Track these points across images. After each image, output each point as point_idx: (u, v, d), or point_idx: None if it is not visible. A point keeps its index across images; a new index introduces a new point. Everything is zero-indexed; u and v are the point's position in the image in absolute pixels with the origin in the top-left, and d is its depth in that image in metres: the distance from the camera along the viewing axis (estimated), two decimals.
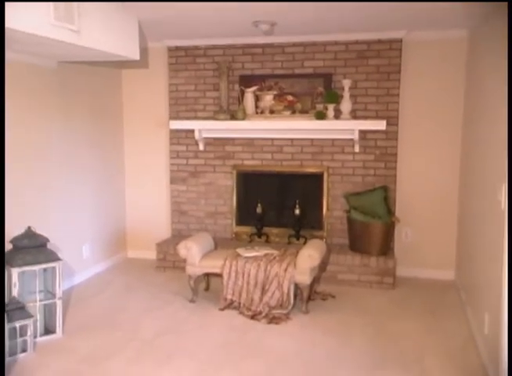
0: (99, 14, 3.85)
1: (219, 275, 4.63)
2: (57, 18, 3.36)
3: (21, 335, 3.65)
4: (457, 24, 4.83)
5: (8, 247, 3.92)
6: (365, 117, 5.35)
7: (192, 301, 4.74)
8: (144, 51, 5.61)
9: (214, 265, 4.64)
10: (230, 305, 4.57)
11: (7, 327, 3.34)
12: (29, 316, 3.70)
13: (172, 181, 6.07)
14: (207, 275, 4.93)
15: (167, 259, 5.71)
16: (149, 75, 6.00)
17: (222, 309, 4.54)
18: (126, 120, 6.18)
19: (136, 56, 4.43)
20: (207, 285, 5.06)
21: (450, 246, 5.44)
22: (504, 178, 3.00)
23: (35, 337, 3.83)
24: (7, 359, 3.52)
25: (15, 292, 3.73)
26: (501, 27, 3.50)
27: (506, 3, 1.92)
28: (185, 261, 4.75)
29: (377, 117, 5.31)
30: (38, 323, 3.93)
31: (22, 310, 3.68)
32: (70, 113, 5.21)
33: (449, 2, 3.83)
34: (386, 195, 5.27)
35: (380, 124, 5.15)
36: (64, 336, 4.02)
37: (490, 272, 3.44)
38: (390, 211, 5.26)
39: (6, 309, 3.43)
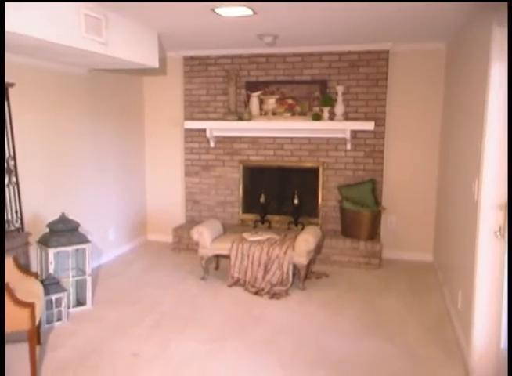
0: (123, 28, 3.85)
1: (227, 256, 4.65)
2: (87, 31, 3.37)
3: (56, 306, 3.69)
4: (436, 38, 4.82)
5: (44, 230, 3.96)
6: (356, 119, 5.34)
7: (203, 278, 4.76)
8: (162, 60, 5.61)
9: (222, 247, 4.65)
10: (237, 283, 4.59)
11: (45, 299, 3.36)
12: (63, 289, 3.75)
13: (186, 174, 6.07)
14: (217, 256, 4.93)
15: (182, 242, 5.72)
16: (166, 81, 6.00)
17: (230, 286, 4.56)
18: (146, 120, 6.18)
19: (155, 65, 4.43)
20: (216, 265, 5.07)
21: (429, 232, 5.45)
22: (477, 173, 3.00)
23: (68, 308, 3.87)
24: (45, 326, 3.58)
25: (51, 269, 3.78)
26: (472, 41, 3.53)
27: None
28: (197, 244, 4.75)
29: (367, 119, 5.31)
30: (71, 296, 3.97)
31: (57, 285, 3.72)
32: (98, 114, 5.22)
33: (427, 16, 3.84)
34: (374, 187, 5.27)
35: (369, 125, 5.14)
36: (93, 307, 4.06)
37: (463, 255, 3.44)
38: (377, 202, 5.27)
39: (44, 283, 3.45)
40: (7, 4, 2.70)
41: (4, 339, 2.68)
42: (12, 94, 3.97)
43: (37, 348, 3.09)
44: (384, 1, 3.13)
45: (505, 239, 2.75)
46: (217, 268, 5.07)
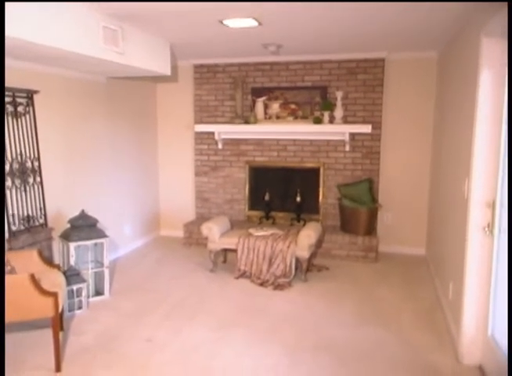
0: (138, 38, 3.87)
1: (234, 250, 4.65)
2: (106, 42, 3.40)
3: (77, 296, 3.72)
4: (428, 47, 4.83)
5: (66, 226, 3.98)
6: (354, 122, 5.33)
7: (212, 271, 4.76)
8: (174, 68, 5.61)
9: (230, 242, 4.66)
10: (243, 275, 4.59)
11: (67, 289, 3.39)
12: (83, 280, 3.76)
13: (196, 174, 6.07)
14: (225, 250, 4.94)
15: (192, 237, 5.72)
16: (178, 88, 6.01)
17: (237, 278, 4.57)
18: (159, 124, 6.19)
19: (168, 72, 4.44)
20: (224, 258, 5.08)
21: (422, 227, 5.44)
22: (467, 173, 3.00)
23: (88, 297, 3.89)
24: (67, 314, 3.61)
25: (72, 262, 3.80)
26: (462, 50, 3.53)
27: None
28: (206, 238, 4.76)
29: (364, 122, 5.30)
30: (90, 287, 3.99)
31: (78, 276, 3.75)
32: (115, 118, 5.24)
33: (420, 27, 3.85)
34: (371, 186, 5.26)
35: (366, 128, 5.14)
36: (111, 297, 4.08)
37: (454, 249, 3.44)
38: (374, 199, 5.26)
39: (66, 275, 3.48)
40: (34, 18, 2.74)
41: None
42: (37, 100, 4.00)
43: (61, 333, 3.12)
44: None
45: (494, 235, 2.75)
46: (225, 261, 5.07)
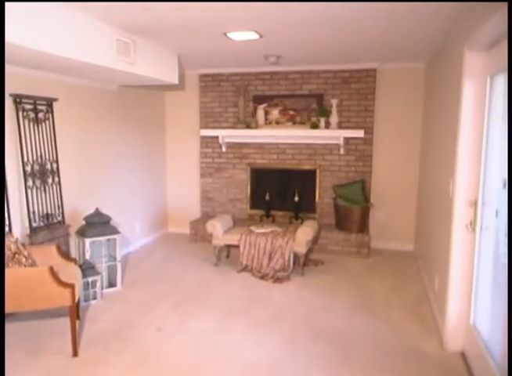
0: (148, 50, 3.91)
1: (237, 246, 4.66)
2: (119, 53, 3.44)
3: (92, 287, 3.74)
4: (416, 59, 4.86)
5: (81, 223, 4.02)
6: (348, 128, 5.36)
7: (216, 265, 4.77)
8: (181, 77, 5.64)
9: (233, 238, 4.66)
10: (245, 269, 4.60)
11: (82, 281, 3.42)
12: (98, 273, 3.79)
13: (202, 175, 6.08)
14: (228, 246, 4.95)
15: (198, 234, 5.73)
16: (185, 95, 6.03)
17: (239, 272, 4.58)
18: (167, 129, 6.21)
19: (175, 81, 4.46)
20: (227, 254, 5.09)
21: (410, 225, 5.46)
22: (452, 174, 3.03)
23: (102, 289, 3.91)
24: (83, 304, 3.64)
25: (87, 256, 3.83)
26: (446, 61, 3.56)
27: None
28: (211, 235, 4.77)
29: (357, 128, 5.32)
30: (104, 279, 4.01)
31: (92, 269, 3.78)
32: (127, 124, 5.26)
33: (407, 41, 3.89)
34: (363, 186, 5.29)
35: (359, 133, 5.17)
36: (123, 288, 4.10)
37: (440, 245, 3.47)
38: (366, 199, 5.28)
39: (81, 268, 3.51)
40: (54, 31, 2.78)
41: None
42: (56, 107, 4.03)
43: (77, 322, 3.13)
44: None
45: (476, 232, 2.79)
46: (228, 256, 5.08)
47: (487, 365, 2.43)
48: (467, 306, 2.90)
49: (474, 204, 2.80)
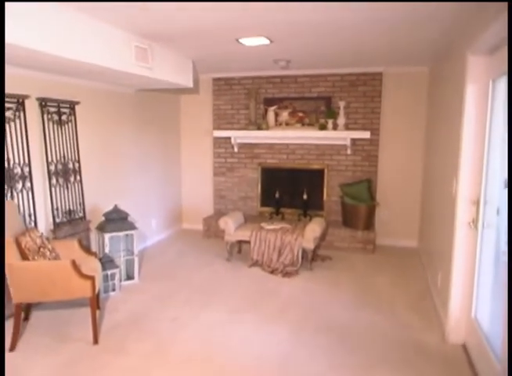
0: (164, 56, 3.94)
1: (248, 242, 4.67)
2: (137, 59, 3.47)
3: (111, 279, 3.79)
4: (420, 63, 4.84)
5: (101, 219, 4.07)
6: (355, 129, 5.35)
7: (228, 260, 4.79)
8: (196, 81, 5.68)
9: (244, 234, 4.68)
10: (255, 264, 4.61)
11: (102, 273, 3.46)
12: (116, 266, 3.83)
13: (215, 174, 6.10)
14: (239, 242, 4.96)
15: (211, 230, 5.76)
16: (199, 98, 6.05)
17: (250, 266, 4.59)
18: (182, 130, 6.24)
19: (190, 85, 4.49)
20: (239, 249, 5.10)
21: (414, 222, 5.43)
22: (455, 174, 3.01)
23: (120, 281, 3.96)
24: (102, 295, 3.68)
25: (106, 250, 3.88)
26: (450, 66, 3.54)
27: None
28: (223, 231, 4.80)
29: (364, 129, 5.31)
30: (122, 272, 4.07)
31: (111, 263, 3.82)
32: (143, 126, 5.30)
33: (411, 47, 3.87)
34: (369, 185, 5.27)
35: (366, 134, 5.15)
36: (140, 281, 4.14)
37: (443, 242, 3.45)
38: (372, 197, 5.27)
39: (101, 261, 3.53)
40: (77, 39, 2.84)
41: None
42: (78, 110, 4.09)
43: (97, 311, 3.21)
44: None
45: (478, 229, 2.77)
46: (239, 251, 5.10)
47: (487, 357, 2.43)
48: (469, 300, 2.89)
49: (477, 202, 2.78)
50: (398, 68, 5.16)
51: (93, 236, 4.19)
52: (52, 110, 3.77)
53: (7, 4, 2.28)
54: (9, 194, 3.34)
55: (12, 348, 2.87)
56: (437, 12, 2.79)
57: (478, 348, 2.65)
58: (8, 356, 2.81)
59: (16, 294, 2.86)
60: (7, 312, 3.22)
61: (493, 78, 2.58)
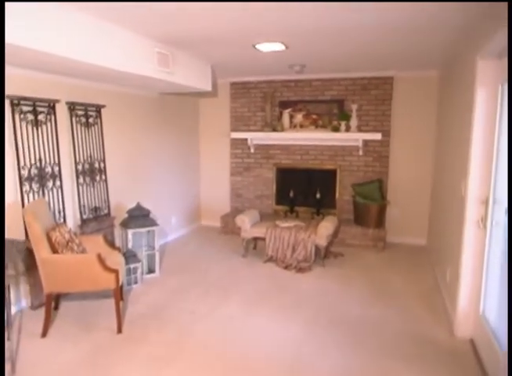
0: (185, 61, 3.98)
1: (263, 238, 4.69)
2: (159, 64, 3.53)
3: (133, 273, 3.85)
4: (430, 67, 4.79)
5: (125, 215, 4.13)
6: (367, 131, 5.32)
7: (244, 256, 4.80)
8: (214, 85, 5.71)
9: (260, 231, 4.69)
10: (270, 259, 4.62)
11: (125, 267, 3.51)
12: (138, 261, 3.88)
13: (232, 173, 6.13)
14: (255, 238, 4.97)
15: (228, 227, 5.79)
16: (217, 101, 6.08)
17: (265, 262, 4.59)
18: (201, 131, 6.27)
19: (209, 88, 4.52)
20: (254, 245, 5.12)
21: (424, 221, 5.37)
22: (464, 174, 2.99)
23: (142, 274, 4.02)
24: (126, 287, 3.73)
25: (130, 245, 3.94)
26: (459, 70, 3.50)
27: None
28: (240, 228, 4.82)
29: (375, 131, 5.28)
30: (144, 266, 4.11)
31: (134, 257, 3.87)
32: (165, 127, 5.35)
33: (421, 52, 3.84)
34: (380, 185, 5.25)
35: (377, 136, 5.13)
36: (160, 275, 4.18)
37: (452, 240, 3.42)
38: (383, 197, 5.25)
39: (124, 255, 3.60)
40: (103, 47, 2.90)
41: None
42: (104, 113, 4.15)
43: (121, 303, 3.26)
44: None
45: (486, 228, 2.74)
46: (255, 248, 5.11)
47: (494, 351, 2.40)
48: (477, 297, 2.86)
49: (486, 201, 2.75)
50: (409, 72, 5.11)
51: (117, 231, 4.25)
52: (80, 113, 3.85)
53: (39, 10, 2.36)
54: (40, 192, 3.43)
55: (43, 335, 2.95)
56: (447, 19, 2.77)
57: (485, 343, 2.62)
58: (40, 341, 2.90)
59: (47, 284, 2.94)
60: (38, 301, 3.33)
61: (502, 82, 2.55)
